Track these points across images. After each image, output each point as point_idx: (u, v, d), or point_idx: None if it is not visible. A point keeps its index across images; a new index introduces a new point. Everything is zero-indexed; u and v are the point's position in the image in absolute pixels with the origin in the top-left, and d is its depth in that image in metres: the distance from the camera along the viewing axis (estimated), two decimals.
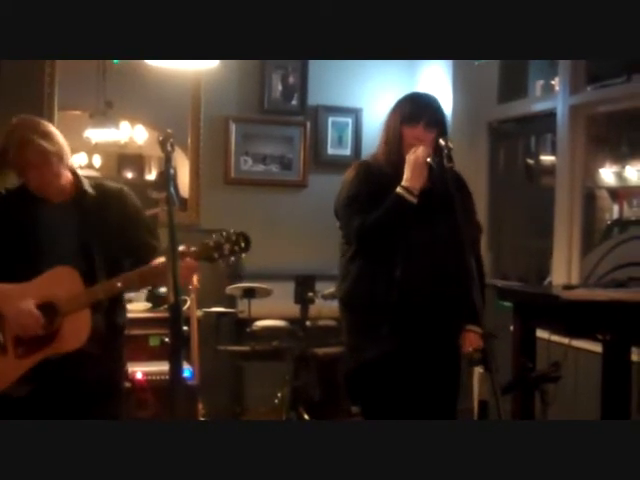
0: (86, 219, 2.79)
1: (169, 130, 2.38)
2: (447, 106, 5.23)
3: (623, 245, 3.47)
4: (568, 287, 3.39)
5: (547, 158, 5.29)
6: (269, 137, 5.51)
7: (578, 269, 4.53)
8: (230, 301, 5.05)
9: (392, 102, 3.12)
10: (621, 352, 3.27)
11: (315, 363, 4.73)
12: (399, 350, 2.83)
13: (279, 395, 4.64)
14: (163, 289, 3.75)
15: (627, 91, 4.32)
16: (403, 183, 2.81)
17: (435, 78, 5.46)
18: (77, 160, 5.20)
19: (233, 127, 5.40)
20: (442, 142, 2.76)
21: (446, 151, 2.72)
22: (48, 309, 2.68)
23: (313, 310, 4.73)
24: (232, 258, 2.72)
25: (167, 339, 2.20)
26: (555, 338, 3.43)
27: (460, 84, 5.36)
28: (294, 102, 5.51)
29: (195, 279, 3.79)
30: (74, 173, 2.85)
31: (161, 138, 2.36)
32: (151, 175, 5.71)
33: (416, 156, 2.81)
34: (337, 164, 5.42)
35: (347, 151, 5.59)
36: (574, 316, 3.05)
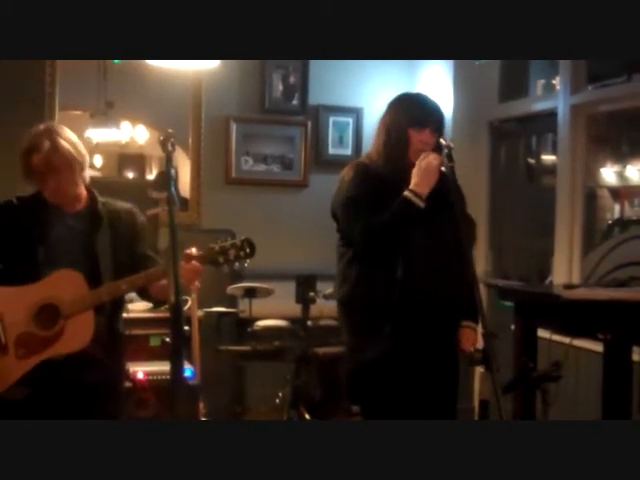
0: (97, 230, 2.82)
1: (170, 130, 2.38)
2: (448, 105, 5.24)
3: (624, 245, 3.46)
4: (569, 287, 3.38)
5: (548, 157, 5.29)
6: (270, 137, 5.51)
7: (579, 269, 4.53)
8: (231, 301, 5.05)
9: None
10: (622, 351, 3.27)
11: (316, 363, 4.73)
12: (400, 350, 2.82)
13: (280, 395, 4.64)
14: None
15: (628, 91, 4.32)
16: (412, 187, 2.79)
17: (435, 78, 5.46)
18: None
19: (234, 127, 5.40)
20: (443, 142, 2.76)
21: (447, 151, 2.73)
22: (50, 310, 2.69)
23: (314, 310, 4.73)
24: (237, 263, 2.76)
25: (168, 339, 2.20)
26: (556, 337, 3.43)
27: (461, 83, 5.36)
28: (295, 102, 5.52)
29: None
30: (87, 186, 2.88)
31: (162, 138, 2.36)
32: (152, 175, 5.71)
33: (428, 162, 2.79)
34: (338, 164, 5.33)
35: (348, 151, 5.60)
36: (575, 315, 3.05)
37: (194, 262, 2.73)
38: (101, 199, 2.89)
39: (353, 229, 2.85)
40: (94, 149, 5.41)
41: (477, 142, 5.40)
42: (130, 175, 5.74)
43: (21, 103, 4.82)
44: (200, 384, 4.12)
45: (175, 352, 2.18)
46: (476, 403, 5.09)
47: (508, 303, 3.54)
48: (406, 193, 2.79)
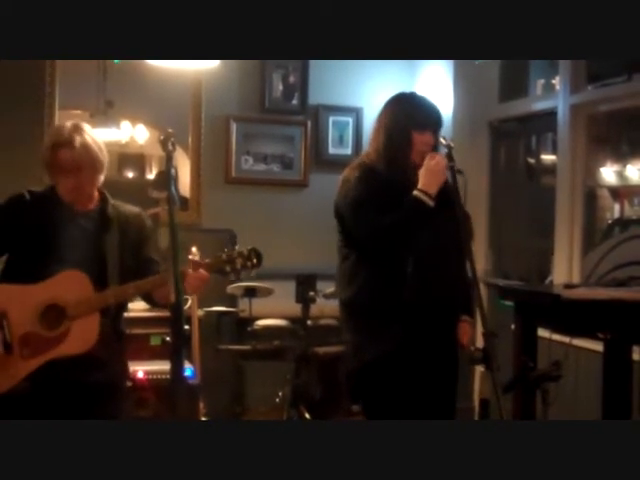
0: (106, 232, 2.82)
1: (170, 129, 2.38)
2: (448, 105, 5.24)
3: (624, 244, 3.46)
4: (569, 286, 3.38)
5: (548, 157, 5.29)
6: (270, 136, 5.51)
7: (579, 268, 4.53)
8: (231, 300, 5.05)
9: None
10: (622, 351, 3.28)
11: (316, 362, 4.73)
12: (405, 348, 2.85)
13: (280, 394, 4.64)
14: None
15: (628, 90, 4.32)
16: (421, 187, 2.81)
17: (435, 77, 5.46)
18: None
19: (234, 126, 5.40)
20: (443, 141, 2.79)
21: (447, 150, 2.76)
22: (55, 311, 2.68)
23: (314, 309, 4.73)
24: (243, 273, 2.79)
25: (168, 338, 2.20)
26: (556, 337, 3.43)
27: (461, 83, 5.36)
28: (295, 101, 5.52)
29: None
30: (99, 187, 2.88)
31: (162, 137, 2.37)
32: (152, 175, 5.71)
33: (437, 162, 2.82)
34: (338, 163, 5.36)
35: (348, 150, 5.59)
36: (575, 315, 3.04)
37: (201, 270, 2.74)
38: (111, 201, 2.89)
39: (362, 229, 2.86)
40: None
41: (477, 142, 5.40)
42: (130, 175, 5.73)
43: (21, 102, 4.82)
44: (200, 383, 4.12)
45: (175, 351, 2.19)
46: (476, 402, 5.10)
47: (508, 303, 3.53)
48: (416, 192, 2.81)
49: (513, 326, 3.38)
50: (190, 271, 2.72)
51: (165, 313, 2.50)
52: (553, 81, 4.96)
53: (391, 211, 2.80)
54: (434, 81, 5.46)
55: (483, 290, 4.80)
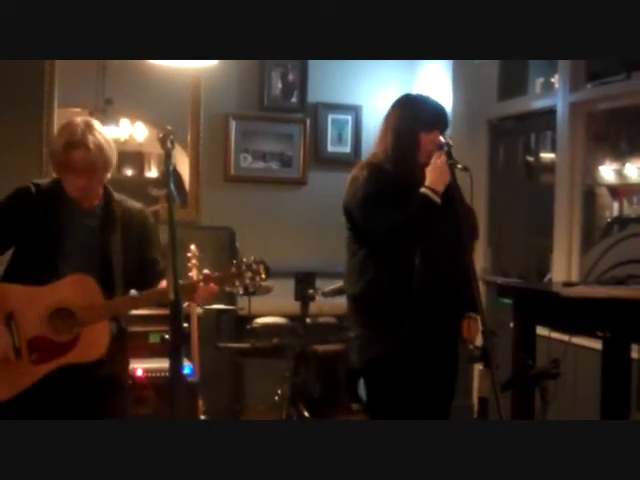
0: (111, 231, 2.81)
1: (169, 127, 2.38)
2: (447, 104, 5.23)
3: (623, 242, 3.46)
4: (568, 284, 3.39)
5: (547, 155, 5.29)
6: (269, 134, 5.50)
7: (578, 266, 4.54)
8: (230, 298, 5.04)
9: (392, 99, 3.12)
10: (621, 349, 3.28)
11: (315, 360, 4.73)
12: (413, 344, 2.90)
13: (279, 392, 4.64)
14: None
15: (627, 88, 4.32)
16: (428, 184, 2.86)
17: (435, 76, 5.45)
18: None
19: (233, 124, 5.39)
20: (443, 139, 2.83)
21: (447, 148, 2.81)
22: (64, 315, 2.67)
23: (313, 307, 4.73)
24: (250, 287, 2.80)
25: (167, 336, 2.21)
26: (555, 335, 3.43)
27: (460, 82, 5.36)
28: (294, 99, 5.51)
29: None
30: (104, 185, 2.87)
31: (161, 135, 2.37)
32: (151, 172, 5.71)
33: (444, 161, 2.87)
34: (337, 161, 5.43)
35: (347, 148, 5.59)
36: (574, 313, 3.05)
37: (212, 285, 2.75)
38: (115, 196, 2.88)
39: (374, 226, 2.91)
40: None
41: (476, 140, 5.40)
42: (129, 172, 5.74)
43: (20, 100, 4.82)
44: (199, 381, 4.12)
45: (174, 349, 2.19)
46: (475, 400, 5.10)
47: (507, 301, 3.54)
48: (424, 190, 2.86)
49: (512, 324, 3.39)
50: (202, 285, 2.73)
51: (164, 311, 2.50)
52: (552, 79, 4.96)
53: (400, 208, 2.85)
54: (433, 79, 5.45)
55: (482, 288, 4.81)
